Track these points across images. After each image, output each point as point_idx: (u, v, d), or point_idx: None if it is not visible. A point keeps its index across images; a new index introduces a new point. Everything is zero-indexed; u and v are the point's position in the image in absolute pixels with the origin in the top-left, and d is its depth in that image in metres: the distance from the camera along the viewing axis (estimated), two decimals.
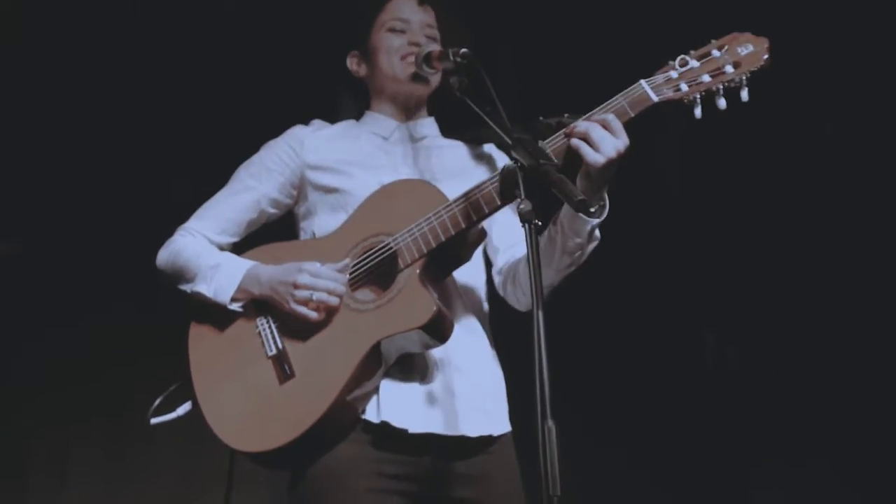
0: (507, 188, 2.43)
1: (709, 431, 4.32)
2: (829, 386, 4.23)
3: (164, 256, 2.85)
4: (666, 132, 4.21)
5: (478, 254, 2.83)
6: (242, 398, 2.64)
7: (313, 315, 2.59)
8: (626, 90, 2.54)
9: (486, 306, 2.85)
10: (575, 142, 2.49)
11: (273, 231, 2.94)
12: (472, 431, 2.64)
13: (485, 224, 2.75)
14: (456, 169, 2.79)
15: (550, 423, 2.08)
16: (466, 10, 3.92)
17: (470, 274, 2.79)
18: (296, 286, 2.60)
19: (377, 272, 2.64)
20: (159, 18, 4.12)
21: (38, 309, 4.08)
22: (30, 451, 4.15)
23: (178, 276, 2.80)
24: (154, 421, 2.73)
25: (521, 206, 2.27)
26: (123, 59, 4.11)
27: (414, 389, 2.63)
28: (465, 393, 2.66)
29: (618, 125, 2.49)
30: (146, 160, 4.18)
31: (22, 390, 4.09)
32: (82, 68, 4.10)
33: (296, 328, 2.64)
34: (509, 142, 2.40)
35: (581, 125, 2.50)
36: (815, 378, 4.24)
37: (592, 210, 2.55)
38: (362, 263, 2.65)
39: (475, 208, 2.55)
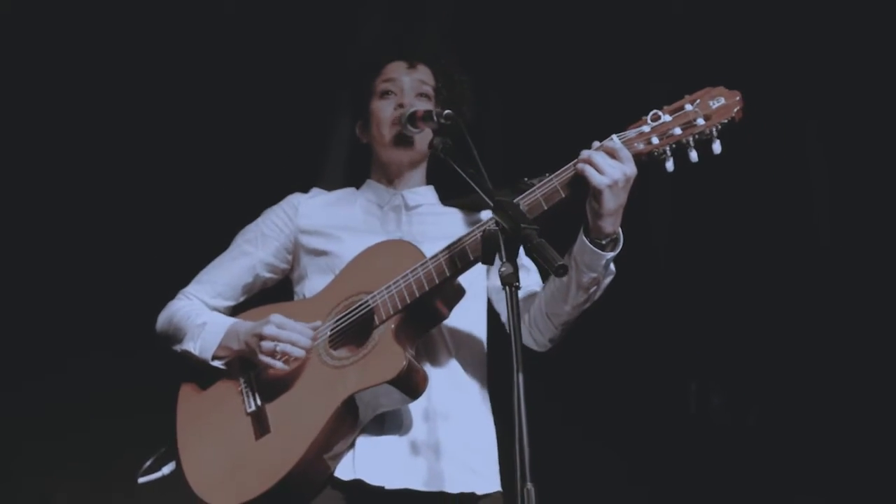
0: (488, 251, 2.42)
1: (692, 476, 4.33)
2: (812, 431, 4.25)
3: (161, 320, 2.91)
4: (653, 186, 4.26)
5: (479, 309, 2.85)
6: (220, 455, 2.66)
7: (279, 365, 2.62)
8: (599, 144, 2.53)
9: (482, 361, 2.84)
10: (580, 165, 2.49)
11: (272, 295, 2.98)
12: (453, 488, 2.63)
13: (490, 276, 2.82)
14: (446, 233, 2.76)
15: (530, 485, 2.09)
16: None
17: (466, 329, 2.80)
18: (261, 337, 2.63)
19: (355, 330, 2.66)
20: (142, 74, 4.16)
21: (24, 360, 4.07)
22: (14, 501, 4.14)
23: (172, 337, 2.85)
24: (141, 480, 2.77)
25: (503, 269, 2.28)
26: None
27: (392, 444, 2.62)
28: (447, 448, 2.65)
29: (626, 154, 2.48)
30: (138, 209, 4.19)
31: (7, 441, 4.08)
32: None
33: (275, 385, 2.66)
34: (491, 204, 2.41)
35: (586, 151, 2.50)
36: (796, 423, 4.27)
37: (604, 243, 2.53)
38: (341, 321, 2.67)
39: (449, 264, 2.57)
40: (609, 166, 2.46)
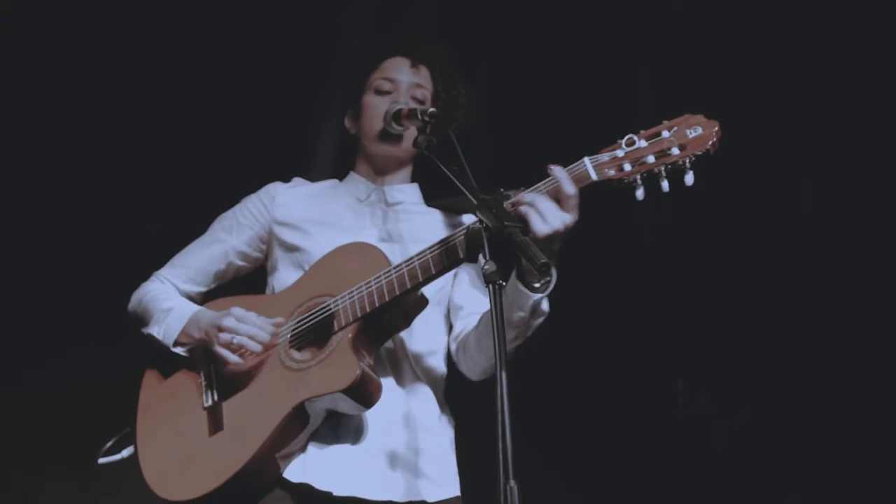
0: (471, 249, 2.42)
1: (680, 474, 4.33)
2: (800, 431, 4.26)
3: (133, 301, 2.94)
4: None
5: (440, 318, 2.84)
6: (174, 447, 2.68)
7: (234, 358, 2.63)
8: (569, 167, 2.50)
9: (442, 370, 2.84)
10: (524, 209, 2.45)
11: (248, 284, 2.99)
12: (401, 496, 2.63)
13: (453, 288, 2.81)
14: (423, 235, 2.76)
15: (513, 483, 2.09)
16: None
17: (427, 338, 2.79)
18: (220, 328, 2.64)
19: (315, 333, 2.65)
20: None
21: (10, 356, 4.04)
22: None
23: (140, 319, 2.87)
24: (101, 461, 2.80)
25: (486, 268, 2.28)
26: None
27: (344, 451, 2.62)
28: (400, 456, 2.65)
29: (574, 203, 2.44)
30: (119, 206, 4.18)
31: None
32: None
33: (233, 382, 2.67)
34: (475, 202, 2.41)
35: (529, 195, 2.46)
36: (783, 424, 4.28)
37: (537, 285, 2.50)
38: (303, 323, 2.67)
39: (411, 276, 2.55)
40: (553, 216, 2.42)
